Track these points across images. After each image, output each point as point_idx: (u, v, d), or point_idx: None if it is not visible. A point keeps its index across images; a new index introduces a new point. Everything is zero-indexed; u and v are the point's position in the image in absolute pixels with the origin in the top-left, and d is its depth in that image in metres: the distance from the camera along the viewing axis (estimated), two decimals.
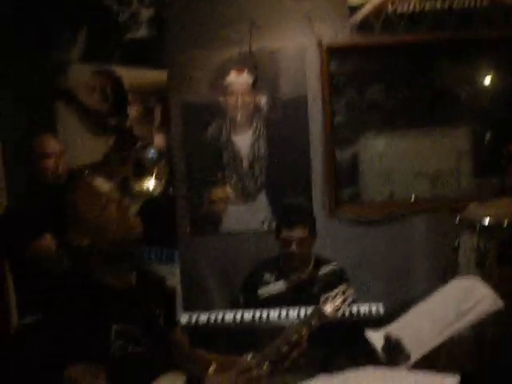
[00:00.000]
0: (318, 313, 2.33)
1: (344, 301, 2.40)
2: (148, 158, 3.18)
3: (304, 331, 2.23)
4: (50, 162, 3.17)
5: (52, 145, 3.21)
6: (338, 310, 2.38)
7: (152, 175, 3.12)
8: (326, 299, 2.41)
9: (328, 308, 2.35)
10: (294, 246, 3.51)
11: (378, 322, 2.62)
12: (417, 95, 4.64)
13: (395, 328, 2.34)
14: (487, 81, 4.71)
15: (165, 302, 2.39)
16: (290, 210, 3.88)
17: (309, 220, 3.66)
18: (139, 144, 3.49)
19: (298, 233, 3.54)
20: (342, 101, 4.66)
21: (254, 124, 4.52)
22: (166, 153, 3.44)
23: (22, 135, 3.67)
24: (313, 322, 2.28)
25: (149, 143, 3.52)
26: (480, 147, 4.66)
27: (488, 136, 4.68)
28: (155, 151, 3.35)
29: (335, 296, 2.42)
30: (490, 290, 2.23)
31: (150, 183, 3.12)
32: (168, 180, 3.28)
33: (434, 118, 4.64)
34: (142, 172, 3.06)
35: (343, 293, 2.43)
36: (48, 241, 2.91)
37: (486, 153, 4.67)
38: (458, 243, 3.43)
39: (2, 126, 3.97)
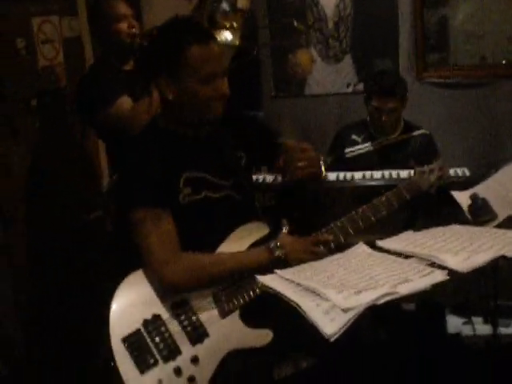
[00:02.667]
0: (412, 187, 2.36)
1: (440, 178, 2.40)
2: (221, 10, 3.14)
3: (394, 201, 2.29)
4: (123, 26, 3.18)
5: (121, 7, 3.22)
6: (432, 186, 2.39)
7: (226, 28, 3.10)
8: (422, 173, 2.41)
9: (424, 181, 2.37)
10: (384, 117, 3.47)
11: (464, 184, 2.60)
12: None
13: (482, 188, 2.32)
14: None
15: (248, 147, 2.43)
16: (382, 78, 3.78)
17: (401, 90, 3.57)
18: None
19: (390, 103, 3.48)
20: None
21: None
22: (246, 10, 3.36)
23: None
24: (406, 195, 2.32)
25: None
26: None
27: None
28: (228, 4, 3.30)
29: (431, 171, 2.42)
30: None
31: (226, 34, 3.11)
32: (246, 35, 3.25)
33: None
34: (216, 24, 3.04)
35: (440, 169, 2.42)
36: (126, 103, 2.98)
37: None
38: None
39: None
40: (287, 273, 1.79)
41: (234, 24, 3.25)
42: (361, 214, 2.27)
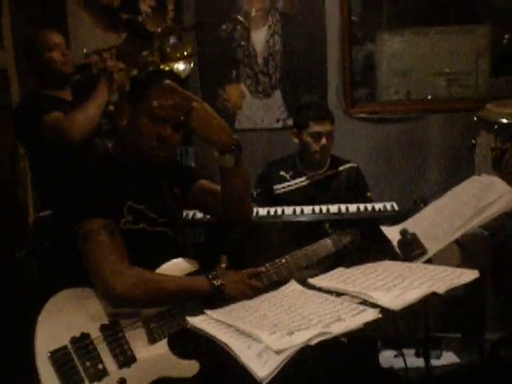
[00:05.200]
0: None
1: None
2: (170, 43, 3.24)
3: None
4: (56, 54, 3.27)
5: (53, 37, 3.31)
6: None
7: (178, 59, 3.19)
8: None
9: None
10: (324, 140, 3.50)
11: (393, 219, 2.63)
12: None
13: (411, 223, 2.34)
14: None
15: (182, 183, 2.46)
16: (316, 104, 3.83)
17: (332, 116, 3.63)
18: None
19: (328, 126, 3.53)
20: None
21: (270, 19, 4.42)
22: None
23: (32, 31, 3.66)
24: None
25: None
26: (498, 47, 4.56)
27: (507, 36, 4.58)
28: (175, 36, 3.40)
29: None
30: (508, 187, 2.21)
31: (178, 65, 3.20)
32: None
33: (453, 17, 4.53)
34: (167, 58, 3.12)
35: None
36: (58, 116, 3.09)
37: (504, 52, 4.58)
38: (475, 143, 3.40)
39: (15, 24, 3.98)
40: (218, 313, 1.77)
41: (185, 53, 3.35)
42: (304, 253, 2.30)
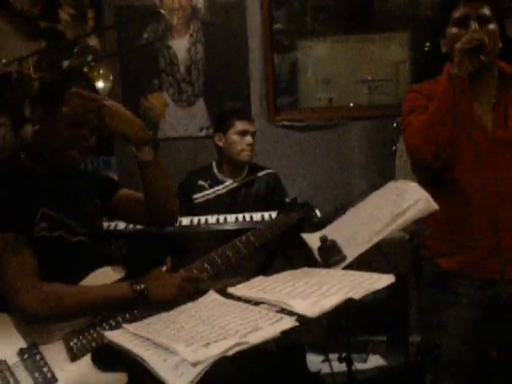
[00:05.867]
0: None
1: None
2: (86, 62, 3.17)
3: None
4: None
5: None
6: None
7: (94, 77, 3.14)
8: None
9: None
10: (250, 139, 3.53)
11: (315, 226, 2.64)
12: (358, 1, 4.60)
13: (331, 230, 2.36)
14: None
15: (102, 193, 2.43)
16: (238, 108, 3.86)
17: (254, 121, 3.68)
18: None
19: (252, 126, 3.58)
20: (282, 6, 4.57)
21: (191, 28, 4.41)
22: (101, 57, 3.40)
23: None
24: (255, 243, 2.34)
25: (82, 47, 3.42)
26: (418, 55, 4.66)
27: (427, 44, 4.68)
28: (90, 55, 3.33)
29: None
30: (424, 193, 2.25)
31: (98, 84, 3.16)
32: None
33: (374, 25, 4.61)
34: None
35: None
36: None
37: (424, 60, 4.69)
38: (395, 148, 3.47)
39: None
40: (135, 327, 1.74)
41: (101, 71, 3.29)
42: (220, 253, 2.27)
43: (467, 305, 2.45)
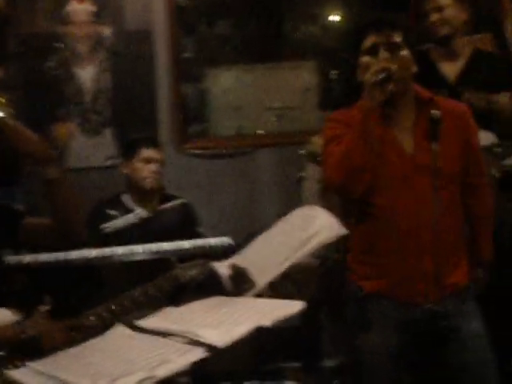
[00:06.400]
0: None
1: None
2: None
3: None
4: None
5: None
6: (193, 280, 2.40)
7: None
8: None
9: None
10: (154, 167, 3.50)
11: (225, 254, 2.63)
12: (266, 30, 4.65)
13: (241, 258, 2.35)
14: (335, 18, 4.79)
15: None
16: (144, 137, 3.84)
17: (162, 148, 3.65)
18: None
19: (158, 154, 3.56)
20: (190, 35, 4.58)
21: (98, 56, 4.36)
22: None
23: None
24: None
25: None
26: (326, 83, 4.75)
27: (334, 72, 4.78)
28: None
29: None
30: (332, 218, 2.27)
31: None
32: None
33: (282, 53, 4.68)
34: None
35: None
36: None
37: (330, 87, 4.78)
38: (303, 175, 3.51)
39: None
40: (40, 364, 1.67)
41: (2, 100, 3.21)
42: (130, 296, 2.22)
43: (390, 328, 2.48)
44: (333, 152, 2.45)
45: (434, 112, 2.40)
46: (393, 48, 2.41)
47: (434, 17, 3.61)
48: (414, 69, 2.48)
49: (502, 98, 3.52)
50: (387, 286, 2.49)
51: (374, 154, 2.37)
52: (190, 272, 2.42)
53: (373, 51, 2.43)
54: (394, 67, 2.35)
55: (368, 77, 2.35)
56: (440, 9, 3.61)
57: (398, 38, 2.42)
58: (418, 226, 2.42)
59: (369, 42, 2.44)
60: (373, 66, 2.37)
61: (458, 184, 2.51)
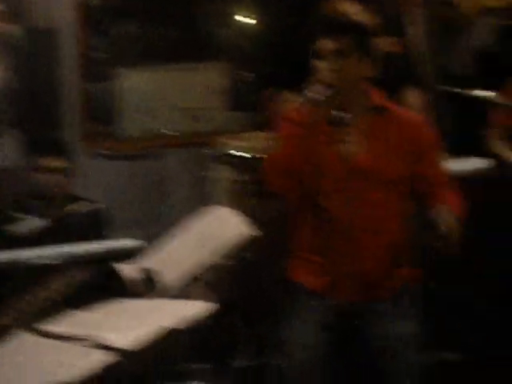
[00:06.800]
0: None
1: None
2: None
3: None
4: None
5: None
6: None
7: None
8: None
9: None
10: (57, 176, 3.42)
11: (134, 256, 2.60)
12: (176, 30, 4.63)
13: (151, 260, 2.34)
14: (245, 19, 4.82)
15: None
16: (48, 142, 3.74)
17: (66, 153, 3.56)
18: None
19: (60, 162, 3.46)
20: (101, 34, 4.51)
21: (2, 54, 4.23)
22: None
23: None
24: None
25: None
26: (235, 84, 4.77)
27: (242, 72, 4.81)
28: None
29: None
30: (241, 218, 2.29)
31: None
32: None
33: (192, 54, 4.66)
34: None
35: None
36: None
37: (239, 88, 4.80)
38: (213, 175, 3.51)
39: None
40: None
41: None
42: (28, 300, 2.17)
43: (323, 326, 2.48)
44: (276, 155, 2.45)
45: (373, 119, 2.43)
46: (340, 54, 2.38)
47: None
48: (369, 73, 2.46)
49: None
50: (326, 284, 2.50)
51: (314, 160, 2.37)
52: (85, 274, 2.39)
53: (321, 56, 2.41)
54: (334, 80, 2.35)
55: (308, 94, 2.34)
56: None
57: (345, 45, 2.38)
58: (356, 228, 2.44)
59: (318, 46, 2.42)
60: (318, 80, 2.36)
61: (401, 191, 2.51)
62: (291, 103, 2.38)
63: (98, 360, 1.55)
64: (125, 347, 1.59)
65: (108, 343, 1.61)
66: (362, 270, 2.46)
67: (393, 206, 2.50)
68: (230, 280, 3.37)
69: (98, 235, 3.35)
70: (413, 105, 3.66)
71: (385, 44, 3.97)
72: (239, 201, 3.33)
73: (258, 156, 3.31)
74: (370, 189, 2.44)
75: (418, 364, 2.56)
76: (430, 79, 4.41)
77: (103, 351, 1.58)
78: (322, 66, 2.40)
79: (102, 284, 2.45)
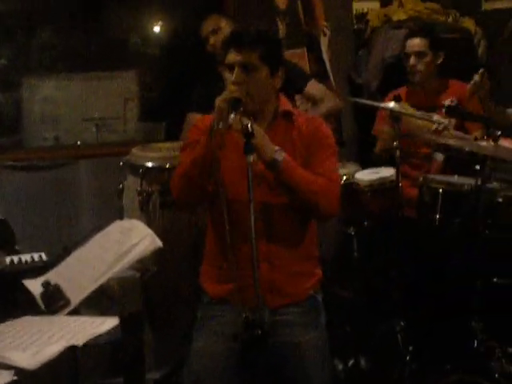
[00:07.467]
0: None
1: None
2: None
3: None
4: None
5: None
6: None
7: None
8: None
9: None
10: None
11: (41, 270, 2.54)
12: (86, 39, 4.58)
13: (54, 274, 2.28)
14: (157, 28, 4.81)
15: None
16: None
17: None
18: None
19: None
20: (7, 41, 4.41)
21: None
22: None
23: None
24: None
25: None
26: (146, 93, 4.75)
27: (154, 82, 4.79)
28: None
29: None
30: (149, 230, 2.27)
31: None
32: None
33: (102, 63, 4.62)
34: None
35: None
36: None
37: (150, 98, 4.79)
38: (123, 187, 3.47)
39: None
40: None
41: None
42: None
43: (226, 335, 2.45)
44: (180, 163, 2.45)
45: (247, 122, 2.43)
46: (248, 68, 2.38)
47: (212, 40, 3.65)
48: (278, 85, 2.47)
49: None
50: (231, 291, 2.50)
51: (217, 167, 2.36)
52: None
53: (231, 68, 2.40)
54: (239, 94, 2.32)
55: (217, 103, 2.30)
56: (216, 31, 3.65)
57: (254, 59, 2.38)
58: (259, 234, 2.42)
59: (227, 59, 2.42)
60: (224, 92, 2.34)
61: None
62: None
63: (2, 380, 1.50)
64: (29, 367, 1.55)
65: (12, 363, 1.56)
66: (264, 278, 2.47)
67: (296, 212, 2.51)
68: (136, 292, 3.34)
69: (3, 249, 3.26)
70: (314, 96, 3.67)
71: (290, 56, 4.05)
72: (147, 212, 3.31)
73: (167, 166, 3.31)
74: (273, 195, 2.46)
75: (326, 371, 2.59)
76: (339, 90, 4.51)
77: (6, 371, 1.54)
78: (229, 78, 2.41)
79: (5, 299, 2.39)
